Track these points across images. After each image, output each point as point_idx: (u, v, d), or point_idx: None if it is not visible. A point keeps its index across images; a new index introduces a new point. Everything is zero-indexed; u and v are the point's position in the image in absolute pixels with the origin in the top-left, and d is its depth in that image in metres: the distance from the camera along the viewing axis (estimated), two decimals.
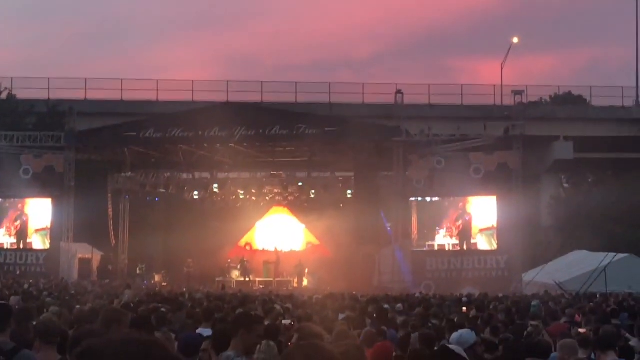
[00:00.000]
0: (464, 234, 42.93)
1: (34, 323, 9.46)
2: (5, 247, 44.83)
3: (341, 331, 9.45)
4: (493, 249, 42.36)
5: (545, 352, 9.42)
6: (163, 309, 16.00)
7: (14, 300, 20.03)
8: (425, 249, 43.22)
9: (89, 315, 11.48)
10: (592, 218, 52.79)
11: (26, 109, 54.13)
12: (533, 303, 23.82)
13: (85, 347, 2.80)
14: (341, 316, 15.95)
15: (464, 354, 6.79)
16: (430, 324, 15.80)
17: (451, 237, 43.08)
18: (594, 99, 64.14)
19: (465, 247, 42.73)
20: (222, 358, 7.67)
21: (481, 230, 42.93)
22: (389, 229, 44.62)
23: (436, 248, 43.07)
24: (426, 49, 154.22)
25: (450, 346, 7.26)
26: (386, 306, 22.10)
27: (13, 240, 45.16)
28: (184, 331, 12.14)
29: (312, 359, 3.57)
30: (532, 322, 16.00)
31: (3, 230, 45.20)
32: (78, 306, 17.84)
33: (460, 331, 9.78)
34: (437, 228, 43.29)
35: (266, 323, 11.66)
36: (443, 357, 5.51)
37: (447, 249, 43.06)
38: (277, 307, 20.12)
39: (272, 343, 8.70)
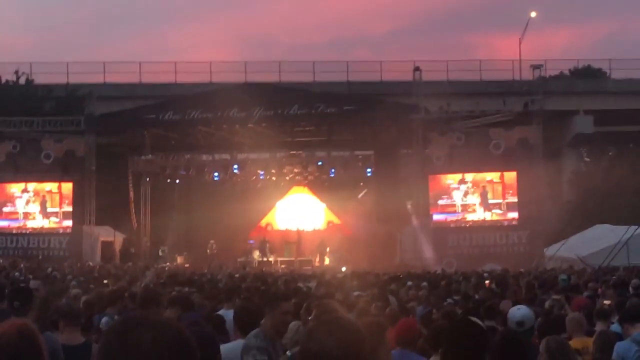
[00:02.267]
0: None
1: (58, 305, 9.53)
2: (29, 232, 45.17)
3: (362, 309, 9.48)
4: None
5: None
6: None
7: (33, 284, 20.16)
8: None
9: (109, 297, 11.57)
10: (613, 191, 52.47)
11: (45, 93, 54.26)
12: (562, 277, 23.76)
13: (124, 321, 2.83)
14: (356, 293, 15.98)
15: (482, 326, 6.78)
16: (451, 300, 15.82)
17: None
18: (614, 72, 63.73)
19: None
20: (250, 338, 7.66)
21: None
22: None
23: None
24: (444, 25, 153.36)
25: (471, 318, 7.24)
26: (409, 283, 22.19)
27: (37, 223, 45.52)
28: (204, 312, 12.20)
29: (334, 334, 3.56)
30: (555, 297, 15.97)
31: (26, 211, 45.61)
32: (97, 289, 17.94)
33: (516, 309, 9.72)
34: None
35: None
36: (463, 329, 5.47)
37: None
38: (300, 285, 20.22)
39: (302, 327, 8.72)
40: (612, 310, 12.32)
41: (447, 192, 43.43)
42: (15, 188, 45.77)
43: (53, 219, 45.40)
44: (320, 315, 7.49)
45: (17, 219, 45.60)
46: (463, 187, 43.23)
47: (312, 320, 7.62)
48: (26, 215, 45.53)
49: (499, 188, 43.14)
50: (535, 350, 8.30)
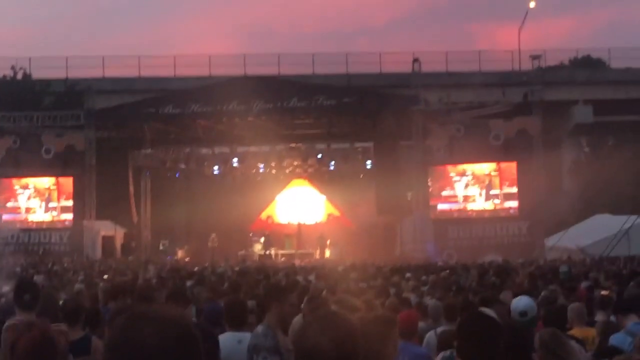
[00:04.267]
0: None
1: (60, 302, 9.58)
2: (30, 228, 45.31)
3: (367, 302, 9.48)
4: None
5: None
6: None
7: (37, 279, 20.19)
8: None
9: (111, 291, 11.60)
10: (613, 181, 52.49)
11: (43, 88, 54.23)
12: (562, 269, 23.77)
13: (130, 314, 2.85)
14: (363, 285, 16.01)
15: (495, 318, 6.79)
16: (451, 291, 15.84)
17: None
18: (613, 61, 63.67)
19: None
20: (259, 337, 7.66)
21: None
22: None
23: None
24: (443, 15, 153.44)
25: (482, 310, 7.26)
26: (408, 275, 22.22)
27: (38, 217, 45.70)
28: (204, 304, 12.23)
29: (329, 332, 3.56)
30: (551, 287, 16.01)
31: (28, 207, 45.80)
32: (101, 283, 17.96)
33: (518, 300, 9.76)
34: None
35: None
36: (477, 322, 5.48)
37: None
38: (299, 279, 20.22)
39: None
40: (612, 301, 12.34)
41: (449, 183, 43.55)
42: (17, 185, 45.92)
43: (53, 213, 45.56)
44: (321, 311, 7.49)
45: (19, 213, 45.85)
46: (464, 179, 43.34)
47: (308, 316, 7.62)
48: (28, 210, 45.73)
49: (497, 180, 43.23)
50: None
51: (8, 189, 46.14)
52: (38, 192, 45.81)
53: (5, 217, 45.91)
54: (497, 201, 43.17)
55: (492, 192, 43.19)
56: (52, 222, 45.53)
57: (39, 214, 45.78)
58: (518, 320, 8.76)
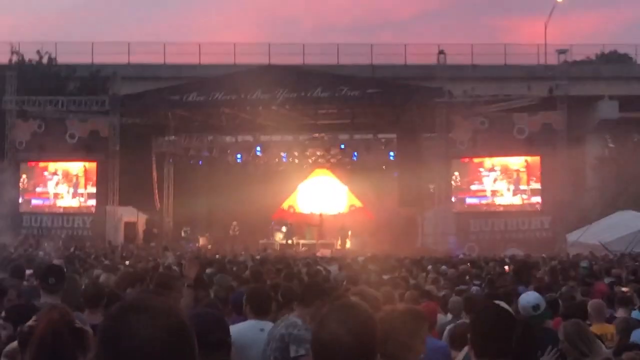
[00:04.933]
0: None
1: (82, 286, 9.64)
2: (52, 212, 45.65)
3: (386, 293, 9.50)
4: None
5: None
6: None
7: (56, 262, 20.26)
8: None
9: (130, 277, 11.67)
10: (637, 177, 52.19)
11: (68, 73, 54.43)
12: (582, 264, 23.70)
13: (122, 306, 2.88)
14: (384, 277, 16.01)
15: (510, 310, 6.79)
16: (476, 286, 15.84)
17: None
18: None
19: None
20: (288, 322, 7.68)
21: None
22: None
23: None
24: (468, 8, 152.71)
25: (497, 302, 7.25)
26: (429, 267, 22.21)
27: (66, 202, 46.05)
28: (227, 292, 12.27)
29: (348, 323, 3.56)
30: (570, 282, 15.98)
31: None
32: (121, 267, 18.05)
33: (529, 294, 9.76)
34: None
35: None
36: (492, 314, 5.48)
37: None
38: (320, 268, 20.26)
39: None
40: (633, 297, 12.32)
41: (478, 178, 43.48)
42: (46, 171, 46.37)
43: (81, 199, 45.92)
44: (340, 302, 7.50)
45: (48, 199, 46.29)
46: (493, 174, 43.28)
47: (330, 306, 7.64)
48: (56, 195, 46.11)
49: (524, 175, 43.13)
50: (549, 333, 8.36)
51: (38, 175, 46.54)
52: (66, 178, 46.19)
53: (34, 202, 46.30)
54: (524, 196, 43.05)
55: (521, 187, 43.11)
56: (79, 207, 45.85)
57: (67, 200, 46.18)
58: (531, 314, 8.76)
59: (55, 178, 46.28)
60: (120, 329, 2.76)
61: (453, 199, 43.56)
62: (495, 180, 43.27)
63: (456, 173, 43.62)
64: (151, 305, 2.83)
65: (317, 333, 3.64)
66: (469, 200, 43.60)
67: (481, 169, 43.55)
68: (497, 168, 43.37)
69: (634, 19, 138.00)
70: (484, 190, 43.44)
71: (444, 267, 22.35)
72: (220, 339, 5.37)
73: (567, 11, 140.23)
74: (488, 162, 43.44)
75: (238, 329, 7.65)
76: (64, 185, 46.18)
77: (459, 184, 43.68)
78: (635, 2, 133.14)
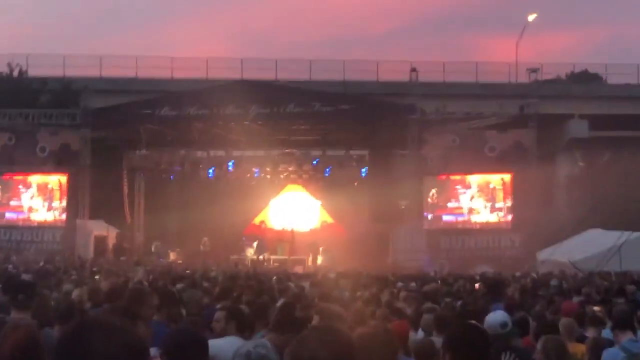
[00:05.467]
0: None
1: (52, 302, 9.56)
2: (22, 225, 45.33)
3: (358, 311, 9.51)
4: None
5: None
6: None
7: (25, 277, 20.10)
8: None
9: (107, 293, 11.60)
10: (607, 196, 52.53)
11: (40, 86, 54.18)
12: (552, 282, 23.81)
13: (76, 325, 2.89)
14: (358, 294, 16.01)
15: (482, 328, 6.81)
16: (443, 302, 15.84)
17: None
18: (610, 77, 63.82)
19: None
20: (259, 342, 7.63)
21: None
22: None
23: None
24: (441, 26, 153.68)
25: (471, 322, 7.29)
26: (400, 284, 22.20)
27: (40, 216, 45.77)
28: (199, 309, 12.22)
29: (327, 344, 3.57)
30: (540, 301, 16.06)
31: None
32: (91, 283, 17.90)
33: (497, 312, 9.79)
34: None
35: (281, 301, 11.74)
36: (468, 334, 5.51)
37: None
38: (292, 285, 20.21)
39: None
40: (604, 317, 12.39)
41: (455, 195, 43.57)
42: (21, 184, 46.04)
43: (55, 212, 45.64)
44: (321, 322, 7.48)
45: (22, 212, 45.91)
46: (469, 191, 43.38)
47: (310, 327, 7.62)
48: (30, 209, 45.77)
49: (501, 193, 43.26)
50: (518, 352, 8.40)
51: (12, 188, 46.16)
52: (41, 192, 45.85)
53: (8, 215, 45.93)
54: (501, 214, 43.16)
55: (497, 204, 43.22)
56: (54, 221, 45.55)
57: (42, 213, 45.83)
58: (499, 332, 8.79)
59: (30, 191, 45.95)
60: (78, 346, 2.78)
61: (429, 217, 43.63)
62: (472, 197, 43.39)
63: (433, 190, 43.72)
64: (108, 323, 2.87)
65: (297, 352, 3.64)
66: (445, 218, 43.68)
67: (458, 187, 43.65)
68: (474, 185, 43.48)
69: (605, 38, 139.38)
70: (461, 208, 43.55)
71: (413, 284, 22.36)
72: (194, 358, 5.33)
73: (538, 30, 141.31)
74: (466, 179, 43.55)
75: (219, 345, 7.62)
76: (38, 198, 45.86)
77: (435, 201, 43.76)
78: (606, 23, 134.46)
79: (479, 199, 43.33)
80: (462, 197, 43.50)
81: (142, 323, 7.53)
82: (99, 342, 2.77)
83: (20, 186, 46.11)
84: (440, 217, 43.66)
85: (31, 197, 45.94)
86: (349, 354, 3.61)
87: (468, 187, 43.47)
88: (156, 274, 25.81)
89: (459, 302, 15.74)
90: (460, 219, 43.50)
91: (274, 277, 25.41)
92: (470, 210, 43.41)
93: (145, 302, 8.69)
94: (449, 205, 43.68)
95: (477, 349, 5.22)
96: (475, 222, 43.26)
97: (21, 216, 45.86)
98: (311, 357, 3.54)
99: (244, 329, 8.23)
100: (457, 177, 43.60)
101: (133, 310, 7.43)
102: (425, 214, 43.64)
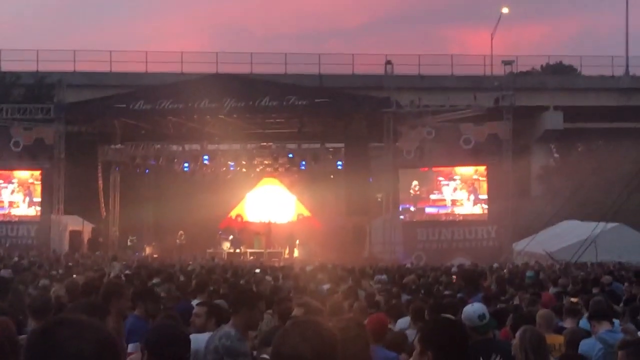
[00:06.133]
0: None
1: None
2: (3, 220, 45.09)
3: (335, 304, 9.47)
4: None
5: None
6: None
7: (4, 273, 19.98)
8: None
9: (83, 287, 11.51)
10: (582, 187, 52.83)
11: (13, 80, 53.82)
12: (528, 274, 23.89)
13: (45, 326, 2.89)
14: (326, 287, 16.00)
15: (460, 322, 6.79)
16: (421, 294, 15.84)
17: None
18: (584, 69, 64.19)
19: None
20: (222, 333, 7.59)
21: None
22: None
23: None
24: (416, 19, 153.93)
25: (447, 316, 7.27)
26: (380, 277, 22.23)
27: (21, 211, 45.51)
28: (174, 303, 12.15)
29: (309, 337, 3.54)
30: (518, 292, 16.10)
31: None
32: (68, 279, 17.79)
33: (475, 305, 9.77)
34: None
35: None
36: (448, 329, 5.50)
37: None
38: (268, 278, 20.20)
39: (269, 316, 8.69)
40: (581, 307, 12.42)
41: (438, 187, 43.53)
42: (1, 178, 45.68)
43: (37, 207, 45.31)
44: (301, 316, 7.43)
45: (2, 207, 45.60)
46: (452, 183, 43.35)
47: (288, 321, 7.60)
48: (11, 204, 45.46)
49: (484, 185, 43.18)
50: (494, 344, 8.40)
51: None
52: (22, 186, 45.53)
53: None
54: (485, 206, 43.09)
55: (480, 196, 43.16)
56: (30, 216, 45.22)
57: (23, 209, 45.49)
58: (477, 324, 8.78)
59: (10, 186, 45.64)
60: (48, 344, 2.80)
61: (412, 209, 43.57)
62: (455, 189, 43.37)
63: (415, 182, 43.67)
64: (78, 320, 2.88)
65: (279, 347, 3.62)
66: (428, 210, 43.64)
67: (441, 179, 43.59)
68: (457, 177, 43.43)
69: (579, 30, 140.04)
70: (444, 200, 43.51)
71: (383, 276, 22.40)
72: (177, 354, 5.27)
73: (513, 23, 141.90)
74: (451, 170, 43.43)
75: (201, 339, 7.60)
76: (19, 193, 45.55)
77: (417, 193, 43.73)
78: (580, 15, 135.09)
79: (461, 191, 43.29)
80: (445, 189, 43.41)
81: (113, 318, 7.49)
82: (68, 340, 2.78)
83: (0, 180, 45.70)
84: (423, 210, 43.57)
85: (12, 192, 45.60)
86: (331, 348, 3.58)
87: (451, 179, 43.40)
88: (132, 269, 25.73)
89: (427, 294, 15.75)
90: (442, 211, 43.44)
91: (256, 270, 25.33)
92: (454, 202, 43.35)
93: (122, 297, 8.62)
94: (432, 197, 43.56)
95: (456, 344, 5.23)
96: (459, 214, 43.20)
97: (2, 211, 45.48)
98: (292, 351, 3.52)
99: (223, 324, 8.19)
100: (440, 169, 43.50)
101: (105, 305, 7.37)
102: (407, 205, 43.55)
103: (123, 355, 2.89)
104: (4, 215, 45.37)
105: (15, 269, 23.32)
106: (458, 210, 43.27)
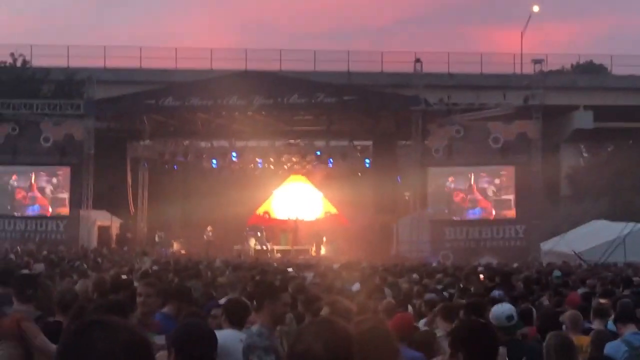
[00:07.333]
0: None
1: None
2: (26, 216, 45.31)
3: (361, 303, 9.44)
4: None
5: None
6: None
7: (38, 267, 20.10)
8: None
9: (111, 284, 11.57)
10: (611, 187, 52.54)
11: (43, 76, 54.10)
12: (555, 273, 23.73)
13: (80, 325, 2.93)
14: (356, 286, 15.92)
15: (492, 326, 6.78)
16: (446, 294, 15.79)
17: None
18: (615, 68, 63.72)
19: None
20: (253, 336, 7.57)
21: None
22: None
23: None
24: (445, 17, 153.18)
25: (480, 320, 7.25)
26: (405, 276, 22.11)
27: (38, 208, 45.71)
28: (203, 300, 12.17)
29: (324, 337, 3.54)
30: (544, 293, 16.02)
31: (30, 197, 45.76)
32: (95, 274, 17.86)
33: (504, 305, 9.74)
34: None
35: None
36: (480, 333, 5.50)
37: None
38: (294, 274, 20.15)
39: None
40: (609, 309, 12.33)
41: (472, 187, 43.35)
42: (32, 174, 45.97)
43: (66, 203, 45.51)
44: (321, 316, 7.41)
45: (36, 204, 45.95)
46: (482, 182, 43.18)
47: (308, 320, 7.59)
48: (42, 200, 45.74)
49: (511, 185, 42.98)
50: (522, 344, 8.36)
51: (26, 179, 46.02)
52: (50, 182, 45.79)
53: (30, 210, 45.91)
54: (511, 205, 42.91)
55: (509, 196, 42.96)
56: (59, 211, 45.41)
57: (53, 204, 45.74)
58: (505, 325, 8.75)
59: (42, 182, 45.86)
60: (80, 344, 2.83)
61: (446, 210, 43.40)
62: (485, 189, 43.18)
63: (449, 179, 43.51)
64: (111, 322, 2.92)
65: (293, 346, 3.63)
66: (458, 209, 43.47)
67: (471, 177, 43.32)
68: (486, 177, 43.23)
69: (610, 29, 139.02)
70: (477, 200, 43.27)
71: (415, 275, 22.27)
72: (205, 354, 5.24)
73: (543, 21, 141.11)
74: (478, 170, 43.22)
75: (225, 335, 7.57)
76: (48, 189, 45.81)
77: (450, 191, 43.53)
78: (611, 13, 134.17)
79: (489, 190, 43.07)
80: (477, 189, 43.19)
81: (134, 316, 7.48)
82: (101, 340, 2.81)
83: (32, 176, 45.93)
84: (461, 211, 43.34)
85: (43, 188, 45.86)
86: (345, 348, 3.57)
87: (482, 178, 43.19)
88: (161, 265, 25.79)
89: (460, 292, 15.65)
90: (473, 211, 43.22)
91: (289, 269, 25.10)
92: (483, 202, 43.13)
93: (150, 296, 8.65)
94: (468, 197, 43.35)
95: (488, 349, 5.25)
96: (488, 214, 43.01)
97: (35, 208, 45.72)
98: (305, 350, 3.52)
99: (238, 323, 8.14)
100: (470, 168, 43.26)
101: (128, 304, 7.39)
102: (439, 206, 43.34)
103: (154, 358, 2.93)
104: (40, 209, 45.58)
105: (47, 264, 23.47)
106: (487, 209, 43.08)
